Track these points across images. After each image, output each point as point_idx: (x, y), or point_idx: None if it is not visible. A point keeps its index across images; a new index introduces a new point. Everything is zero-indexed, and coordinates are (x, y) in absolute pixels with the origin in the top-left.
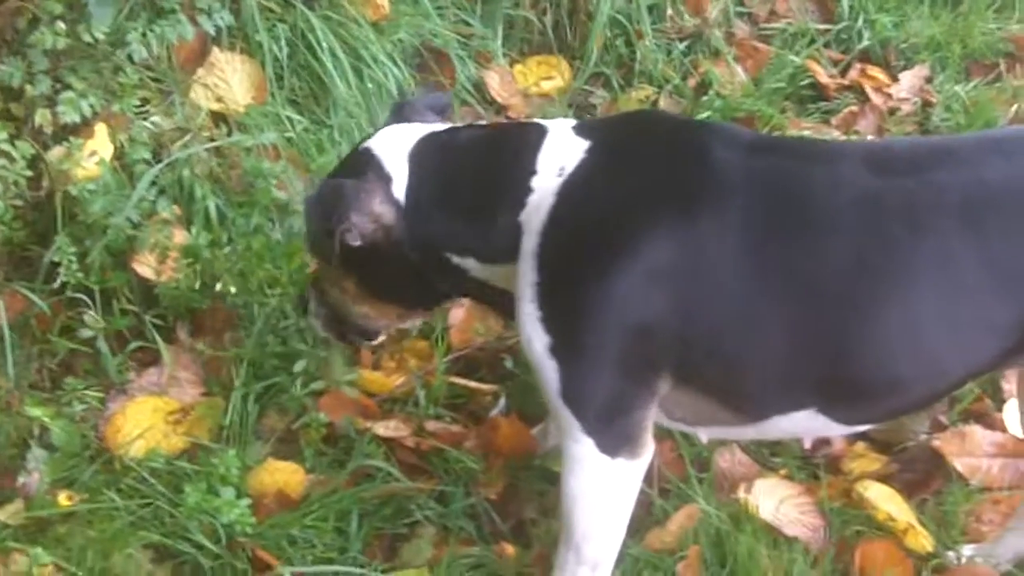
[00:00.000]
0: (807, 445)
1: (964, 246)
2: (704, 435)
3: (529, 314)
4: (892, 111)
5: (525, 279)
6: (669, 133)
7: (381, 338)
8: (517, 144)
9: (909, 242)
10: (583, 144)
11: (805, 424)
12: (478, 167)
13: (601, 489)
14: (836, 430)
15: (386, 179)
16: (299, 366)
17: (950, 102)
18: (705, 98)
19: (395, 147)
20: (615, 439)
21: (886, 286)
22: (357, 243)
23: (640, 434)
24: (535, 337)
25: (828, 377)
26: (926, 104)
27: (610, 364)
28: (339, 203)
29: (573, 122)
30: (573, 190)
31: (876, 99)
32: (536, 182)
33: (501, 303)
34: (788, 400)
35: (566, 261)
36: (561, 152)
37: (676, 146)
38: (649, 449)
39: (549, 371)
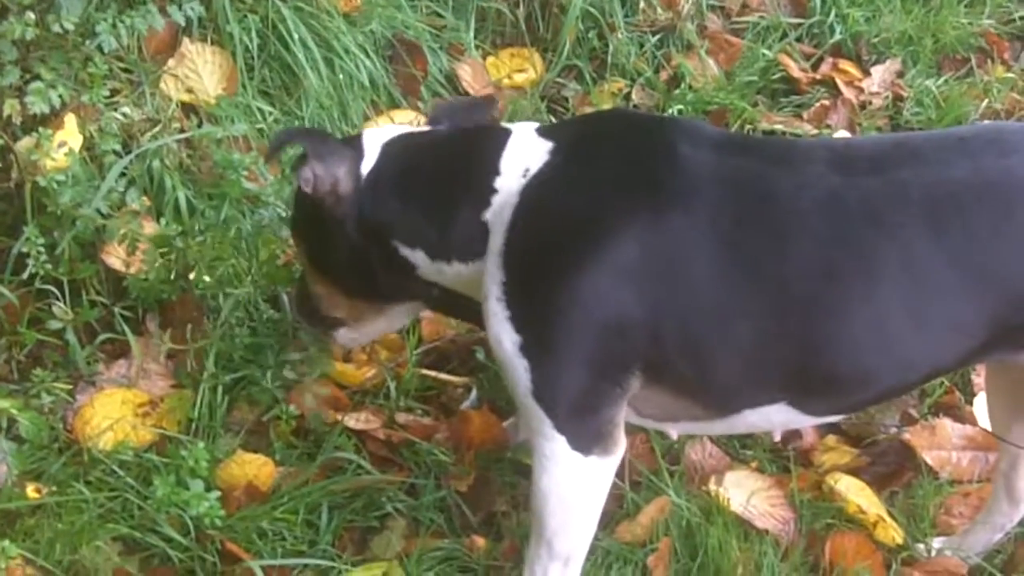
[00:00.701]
0: (776, 438)
1: (929, 245)
2: (674, 431)
3: (497, 313)
4: (864, 105)
5: (492, 278)
6: (635, 132)
7: (345, 334)
8: (481, 145)
9: (874, 240)
10: (547, 145)
11: (774, 417)
12: (440, 164)
13: (574, 486)
14: (804, 422)
15: (358, 155)
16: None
17: (921, 97)
18: (677, 91)
19: (379, 136)
20: (587, 436)
21: (852, 284)
22: (307, 189)
23: (612, 431)
24: (504, 336)
25: (797, 372)
26: (897, 98)
27: (581, 362)
28: (312, 146)
29: (536, 124)
30: (539, 190)
31: (848, 93)
32: (500, 182)
33: (447, 307)
34: (757, 395)
35: (534, 260)
36: (525, 153)
37: (642, 144)
38: (622, 445)
39: (519, 370)
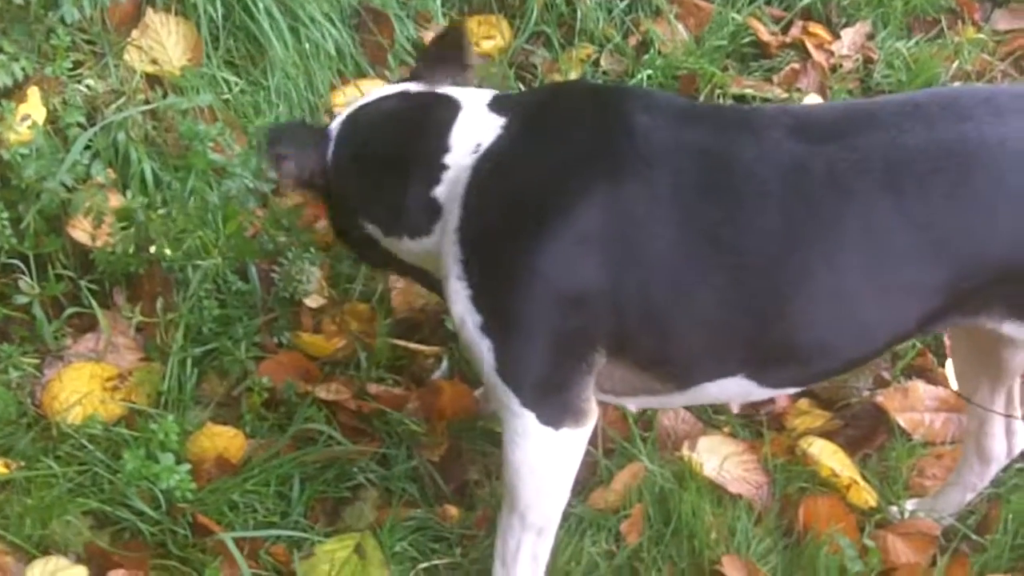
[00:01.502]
0: (735, 410)
1: (887, 211)
2: (633, 405)
3: (458, 291)
4: (834, 68)
5: (451, 256)
6: (590, 103)
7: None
8: (430, 120)
9: (834, 208)
10: (499, 120)
11: (734, 389)
12: (389, 141)
13: (545, 460)
14: (763, 394)
15: (325, 141)
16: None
17: (892, 59)
18: (646, 57)
19: (343, 114)
20: (556, 411)
21: (812, 252)
22: (288, 187)
23: (581, 403)
24: (466, 315)
25: (757, 343)
26: (868, 61)
27: (544, 339)
28: (283, 145)
29: (489, 96)
30: (493, 165)
31: (818, 56)
32: (451, 159)
33: (417, 277)
34: (717, 367)
35: (491, 236)
36: (476, 128)
37: (598, 115)
38: (593, 415)
39: (483, 349)
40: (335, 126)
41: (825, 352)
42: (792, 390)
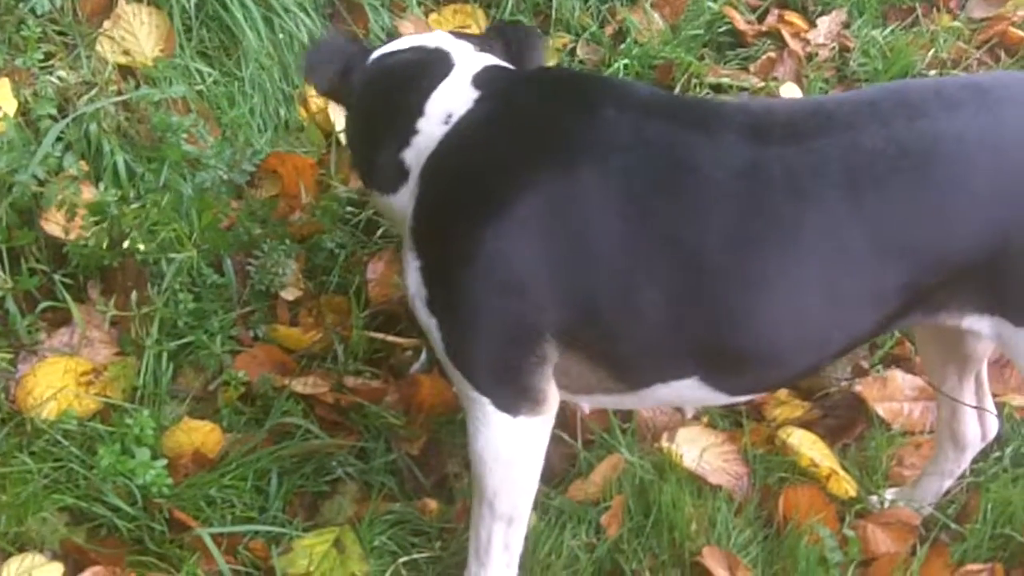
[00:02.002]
0: (688, 415)
1: (844, 214)
2: (586, 404)
3: (410, 263)
4: (810, 57)
5: (407, 223)
6: (561, 91)
7: None
8: (418, 81)
9: (789, 211)
10: (474, 94)
11: (687, 393)
12: (384, 93)
13: (506, 447)
14: (718, 400)
15: (353, 67)
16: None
17: (868, 47)
18: (623, 46)
19: (385, 48)
20: (512, 398)
21: (767, 256)
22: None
23: (538, 392)
24: (415, 289)
25: (709, 346)
26: (844, 50)
27: (486, 323)
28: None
29: (482, 66)
30: (457, 139)
31: (794, 45)
32: (422, 124)
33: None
34: (669, 368)
35: (441, 211)
36: (452, 99)
37: (564, 104)
38: (553, 403)
39: (432, 328)
40: (373, 57)
41: (779, 358)
42: (748, 397)
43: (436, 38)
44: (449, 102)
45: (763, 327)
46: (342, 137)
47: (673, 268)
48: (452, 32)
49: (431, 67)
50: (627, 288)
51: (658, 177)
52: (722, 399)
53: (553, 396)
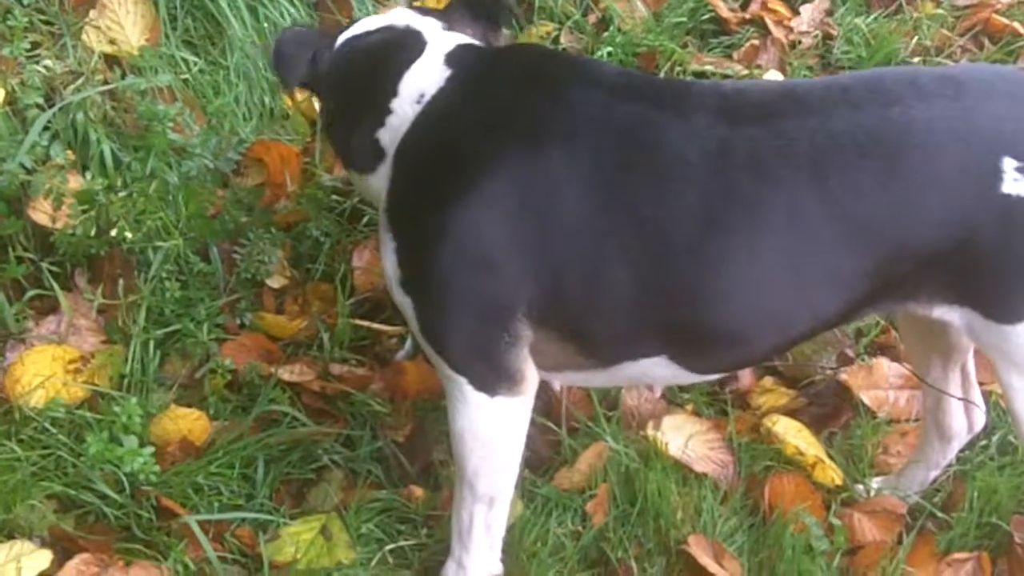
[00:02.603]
0: (657, 393)
1: (810, 197)
2: (557, 382)
3: (385, 243)
4: (793, 45)
5: (383, 204)
6: (531, 70)
7: None
8: (392, 60)
9: (756, 192)
10: (446, 72)
11: (654, 372)
12: (357, 73)
13: (484, 427)
14: (686, 379)
15: (323, 55)
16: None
17: (851, 35)
18: (606, 34)
19: (351, 31)
20: (488, 378)
21: (734, 236)
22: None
23: (515, 372)
24: (390, 268)
25: (675, 325)
26: (827, 37)
27: (458, 301)
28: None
29: (454, 44)
30: (429, 118)
31: (777, 33)
32: (396, 104)
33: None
34: (636, 347)
35: (413, 191)
36: (425, 78)
37: (534, 84)
38: (531, 383)
39: (406, 307)
40: (342, 40)
41: (745, 338)
42: (715, 376)
43: (403, 16)
44: (421, 82)
45: (727, 306)
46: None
47: (640, 247)
48: (416, 8)
49: (404, 47)
50: (595, 267)
51: (626, 156)
52: (690, 377)
53: (532, 376)
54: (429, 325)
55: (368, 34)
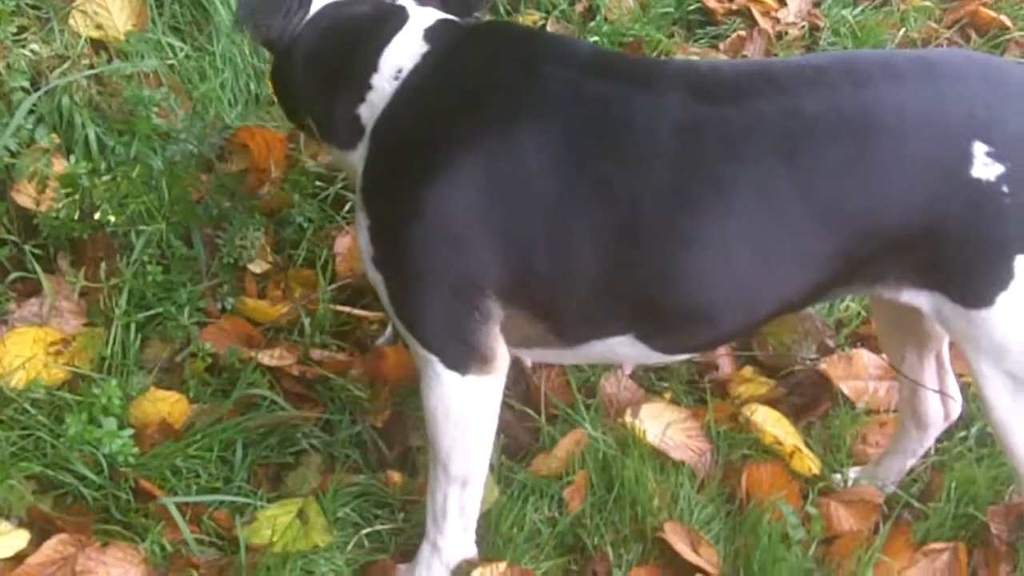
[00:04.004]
0: (627, 371)
1: (781, 176)
2: (528, 358)
3: (360, 222)
4: (780, 36)
5: (358, 182)
6: (503, 47)
7: None
8: (373, 35)
9: (726, 170)
10: (423, 48)
11: (623, 350)
12: (339, 45)
13: (456, 405)
14: (654, 358)
15: (297, 16)
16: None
17: (838, 26)
18: (593, 24)
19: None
20: (460, 356)
21: (702, 214)
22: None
23: (487, 351)
24: (364, 245)
25: (641, 303)
26: (814, 28)
27: (429, 279)
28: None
29: (434, 20)
30: (404, 95)
31: (764, 23)
32: (375, 79)
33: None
34: (604, 325)
35: (387, 169)
36: (403, 54)
37: (507, 59)
38: (502, 364)
39: (379, 284)
40: (322, 6)
41: (711, 317)
42: (683, 356)
43: None
44: (400, 57)
45: (693, 285)
46: None
47: (608, 224)
48: None
49: (385, 20)
50: (563, 244)
51: (596, 133)
52: (657, 357)
53: (503, 355)
54: (401, 302)
55: (351, 3)
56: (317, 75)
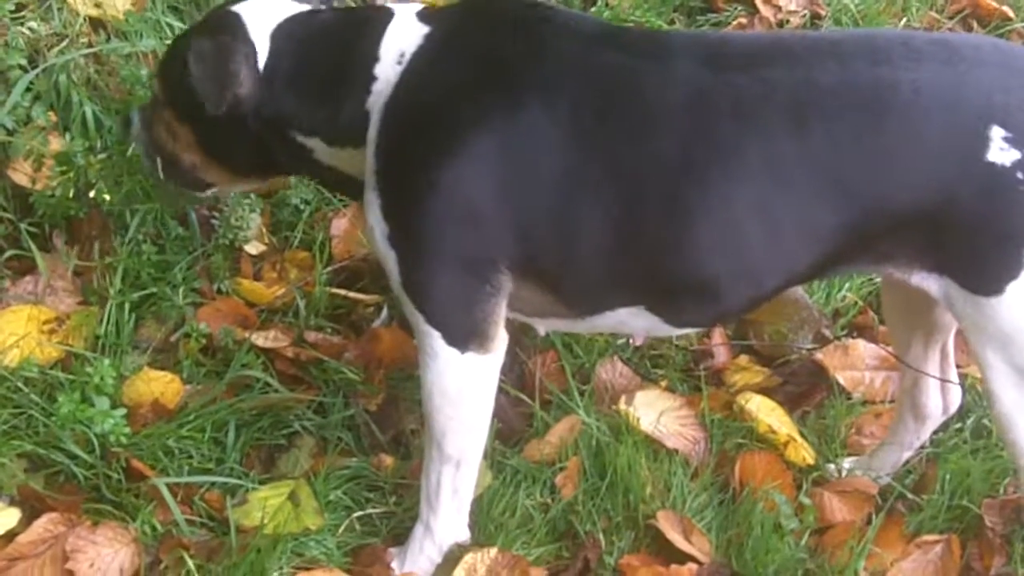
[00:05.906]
0: (638, 343)
1: (789, 147)
2: (541, 327)
3: (371, 202)
4: (781, 24)
5: (369, 167)
6: (507, 22)
7: (211, 192)
8: (364, 30)
9: (734, 140)
10: (423, 30)
11: (633, 321)
12: (329, 51)
13: (454, 383)
14: (664, 330)
15: (252, 50)
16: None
17: (840, 15)
18: (593, 9)
19: (261, 20)
20: (462, 332)
21: (711, 184)
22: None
23: (488, 328)
24: (376, 226)
25: (652, 275)
26: (816, 17)
27: (443, 255)
28: (228, 59)
29: (419, 6)
30: (410, 77)
31: (765, 11)
32: (379, 69)
33: (343, 187)
34: (616, 296)
35: (400, 149)
36: (402, 38)
37: (512, 34)
38: (501, 343)
39: (390, 262)
40: (260, 35)
41: (718, 289)
42: (693, 329)
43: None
44: (400, 42)
45: (701, 255)
46: None
47: (618, 195)
48: None
49: (368, 15)
50: (574, 216)
51: (604, 105)
52: (667, 329)
53: (501, 337)
54: (412, 277)
55: (306, 19)
56: (310, 93)
